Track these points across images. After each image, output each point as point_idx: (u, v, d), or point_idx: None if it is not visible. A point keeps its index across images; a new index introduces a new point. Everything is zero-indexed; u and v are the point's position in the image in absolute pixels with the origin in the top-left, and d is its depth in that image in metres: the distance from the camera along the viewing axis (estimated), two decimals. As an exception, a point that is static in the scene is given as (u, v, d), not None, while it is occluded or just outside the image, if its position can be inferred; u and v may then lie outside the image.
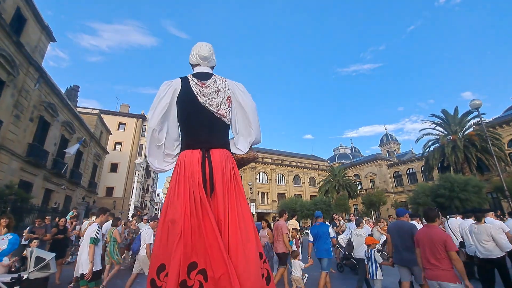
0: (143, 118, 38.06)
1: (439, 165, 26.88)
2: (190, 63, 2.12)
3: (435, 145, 27.57)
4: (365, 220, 11.92)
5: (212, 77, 1.99)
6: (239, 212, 1.70)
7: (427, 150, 28.48)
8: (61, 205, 19.59)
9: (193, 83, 1.89)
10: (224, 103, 1.93)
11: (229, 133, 2.01)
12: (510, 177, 21.30)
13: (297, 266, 5.26)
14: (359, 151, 78.51)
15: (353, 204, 44.78)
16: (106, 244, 6.53)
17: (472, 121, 26.02)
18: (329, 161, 62.90)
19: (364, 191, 44.74)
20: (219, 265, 1.49)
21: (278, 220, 6.88)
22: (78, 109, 25.73)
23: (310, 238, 5.55)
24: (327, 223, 8.84)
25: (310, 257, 5.55)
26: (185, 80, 1.92)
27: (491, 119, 31.01)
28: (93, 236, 4.24)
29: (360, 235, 5.83)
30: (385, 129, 75.18)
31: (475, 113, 25.55)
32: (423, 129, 29.18)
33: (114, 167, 34.79)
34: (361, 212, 39.16)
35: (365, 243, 5.03)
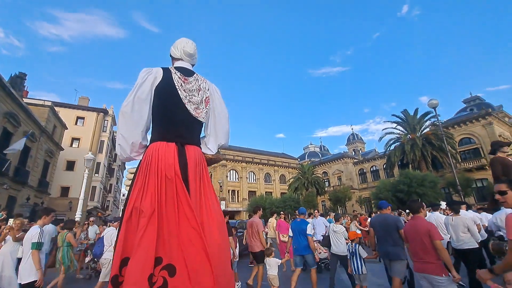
0: (105, 112, 35.53)
1: (399, 162, 28.53)
2: (171, 55, 2.11)
3: (396, 144, 29.20)
4: (329, 215, 12.01)
5: (194, 75, 2.02)
6: (216, 211, 1.72)
7: (388, 148, 30.07)
8: (2, 207, 17.40)
9: (176, 76, 1.89)
10: (203, 102, 1.97)
11: (201, 133, 2.05)
12: (461, 173, 23.17)
13: (273, 264, 5.02)
14: (327, 149, 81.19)
15: (321, 201, 46.06)
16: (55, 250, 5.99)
17: (429, 122, 28.03)
18: (299, 159, 64.11)
19: (332, 188, 46.19)
20: (195, 261, 1.48)
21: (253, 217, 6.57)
22: (28, 101, 23.18)
23: (290, 233, 5.44)
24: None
25: (287, 252, 5.40)
26: (167, 71, 1.89)
27: (445, 121, 33.55)
28: (36, 241, 3.60)
29: (337, 231, 5.70)
30: (352, 129, 78.77)
31: (432, 114, 27.54)
32: (386, 128, 30.82)
33: (70, 165, 31.97)
34: (328, 208, 40.39)
35: (348, 238, 4.94)
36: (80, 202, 10.18)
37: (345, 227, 11.12)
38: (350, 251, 4.77)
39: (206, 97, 2.00)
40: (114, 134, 43.84)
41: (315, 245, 6.92)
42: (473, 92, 41.48)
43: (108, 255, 5.14)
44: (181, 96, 1.85)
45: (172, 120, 1.84)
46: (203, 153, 1.97)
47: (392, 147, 29.38)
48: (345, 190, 34.69)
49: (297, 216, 5.74)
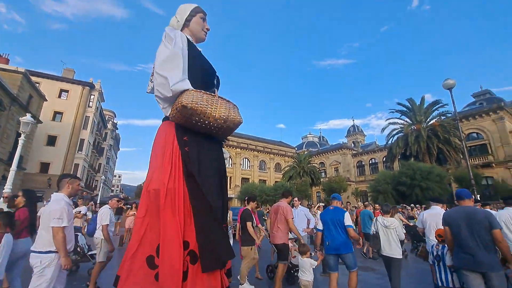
0: (91, 86, 33.28)
1: (401, 156, 26.69)
2: None
3: (399, 135, 27.27)
4: (318, 207, 10.33)
5: None
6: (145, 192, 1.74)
7: (391, 140, 28.19)
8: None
9: None
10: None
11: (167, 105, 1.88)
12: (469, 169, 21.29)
13: (307, 266, 4.04)
14: (326, 140, 79.20)
15: (316, 192, 44.57)
16: None
17: (436, 113, 25.95)
18: (296, 148, 62.27)
19: (327, 178, 44.65)
20: None
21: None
22: (-2, 65, 21.10)
23: (320, 226, 4.36)
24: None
25: (319, 250, 4.39)
26: None
27: (453, 112, 31.49)
28: None
29: (389, 227, 4.39)
30: (353, 120, 76.24)
31: (441, 104, 25.55)
32: (389, 118, 28.82)
33: (51, 140, 30.10)
34: (323, 200, 38.95)
35: (436, 236, 3.81)
36: (12, 173, 8.37)
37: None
38: (434, 254, 3.65)
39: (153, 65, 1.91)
40: (102, 110, 41.74)
41: (290, 245, 5.13)
42: (484, 86, 39.11)
43: (98, 234, 4.71)
44: None
45: None
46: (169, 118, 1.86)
47: (395, 138, 27.43)
48: (340, 180, 32.99)
49: (330, 203, 4.54)
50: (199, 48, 2.07)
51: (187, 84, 1.70)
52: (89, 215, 12.92)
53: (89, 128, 32.71)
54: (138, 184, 75.04)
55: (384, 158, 37.98)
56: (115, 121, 58.79)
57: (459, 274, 3.65)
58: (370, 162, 44.64)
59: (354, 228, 4.39)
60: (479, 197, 25.09)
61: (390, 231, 4.34)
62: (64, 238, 2.75)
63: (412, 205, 13.38)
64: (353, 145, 59.37)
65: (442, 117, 25.69)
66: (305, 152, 48.02)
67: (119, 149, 76.20)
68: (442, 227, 4.08)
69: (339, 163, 47.83)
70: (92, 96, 33.69)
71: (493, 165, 27.98)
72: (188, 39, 1.94)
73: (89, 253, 5.52)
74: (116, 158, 75.07)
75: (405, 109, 27.13)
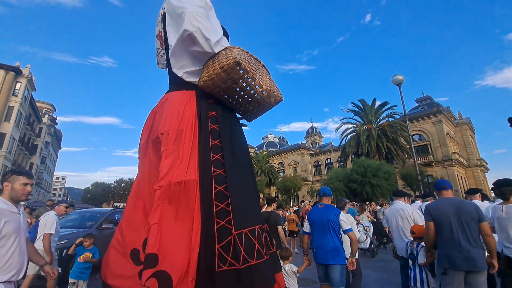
0: (17, 71, 28.51)
1: (354, 155, 27.52)
2: None
3: (352, 134, 28.08)
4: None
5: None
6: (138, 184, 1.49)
7: (345, 139, 29.00)
8: None
9: None
10: (158, 43, 1.76)
11: (177, 76, 1.66)
12: (413, 168, 22.46)
13: (289, 272, 3.41)
14: (286, 141, 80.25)
15: (275, 192, 44.38)
16: None
17: (386, 113, 27.22)
18: (257, 148, 61.83)
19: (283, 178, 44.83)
20: None
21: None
22: None
23: (307, 227, 3.66)
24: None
25: (306, 254, 3.63)
26: None
27: (401, 114, 33.58)
28: None
29: (346, 223, 3.73)
30: (312, 122, 78.81)
31: (389, 105, 26.83)
32: (343, 118, 29.61)
33: (-39, 133, 25.01)
34: (280, 199, 38.76)
35: (411, 233, 3.46)
36: None
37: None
38: (409, 252, 3.38)
39: (158, 32, 1.70)
40: (34, 101, 36.29)
41: None
42: (426, 93, 42.75)
43: (39, 244, 3.97)
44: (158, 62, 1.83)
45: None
46: (190, 84, 1.55)
47: (348, 137, 28.23)
48: (294, 179, 33.03)
49: (320, 201, 3.78)
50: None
51: (227, 42, 1.46)
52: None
53: (13, 121, 27.93)
54: (85, 187, 67.74)
55: (339, 158, 39.13)
56: (54, 116, 52.21)
57: (439, 275, 3.20)
58: (326, 162, 45.88)
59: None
60: (419, 193, 26.92)
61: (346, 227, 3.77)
62: None
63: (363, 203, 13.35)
64: (311, 146, 60.83)
65: (390, 119, 27.08)
66: (265, 152, 47.65)
67: (60, 148, 67.97)
68: (408, 222, 3.80)
69: (297, 163, 48.38)
70: (18, 84, 28.89)
71: (433, 164, 30.35)
72: None
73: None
74: (57, 157, 66.83)
75: (357, 109, 28.06)
